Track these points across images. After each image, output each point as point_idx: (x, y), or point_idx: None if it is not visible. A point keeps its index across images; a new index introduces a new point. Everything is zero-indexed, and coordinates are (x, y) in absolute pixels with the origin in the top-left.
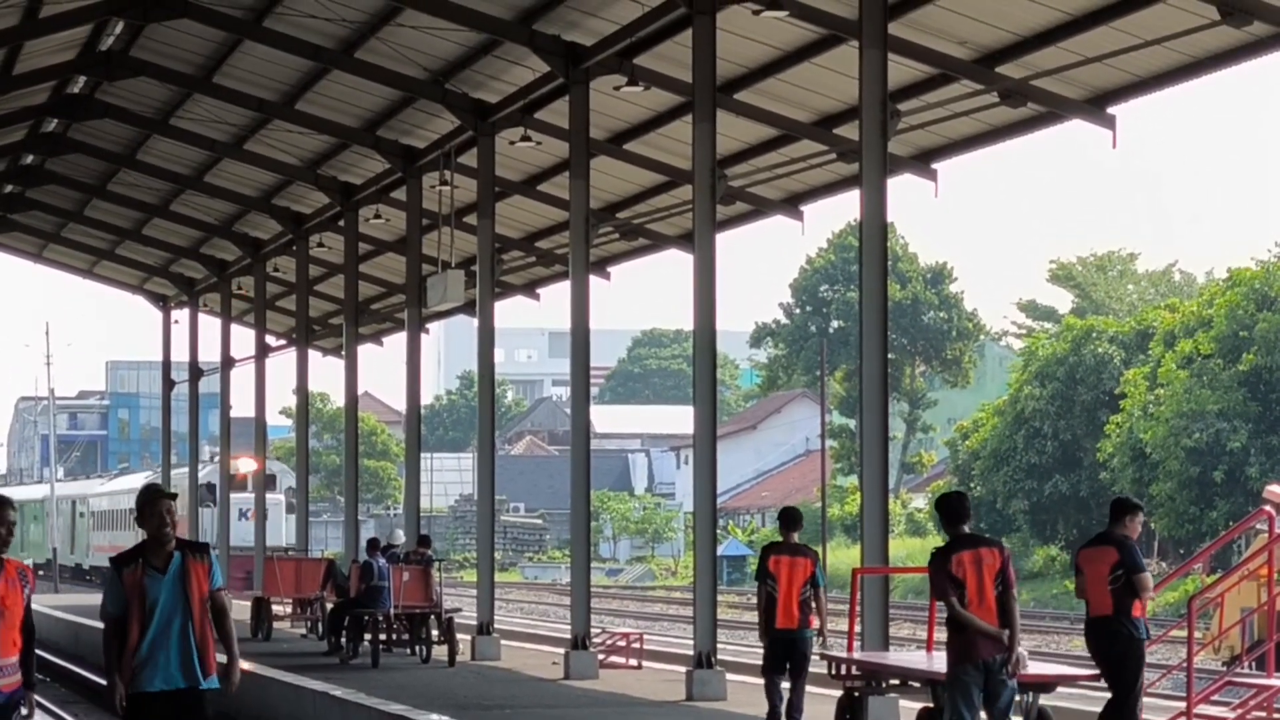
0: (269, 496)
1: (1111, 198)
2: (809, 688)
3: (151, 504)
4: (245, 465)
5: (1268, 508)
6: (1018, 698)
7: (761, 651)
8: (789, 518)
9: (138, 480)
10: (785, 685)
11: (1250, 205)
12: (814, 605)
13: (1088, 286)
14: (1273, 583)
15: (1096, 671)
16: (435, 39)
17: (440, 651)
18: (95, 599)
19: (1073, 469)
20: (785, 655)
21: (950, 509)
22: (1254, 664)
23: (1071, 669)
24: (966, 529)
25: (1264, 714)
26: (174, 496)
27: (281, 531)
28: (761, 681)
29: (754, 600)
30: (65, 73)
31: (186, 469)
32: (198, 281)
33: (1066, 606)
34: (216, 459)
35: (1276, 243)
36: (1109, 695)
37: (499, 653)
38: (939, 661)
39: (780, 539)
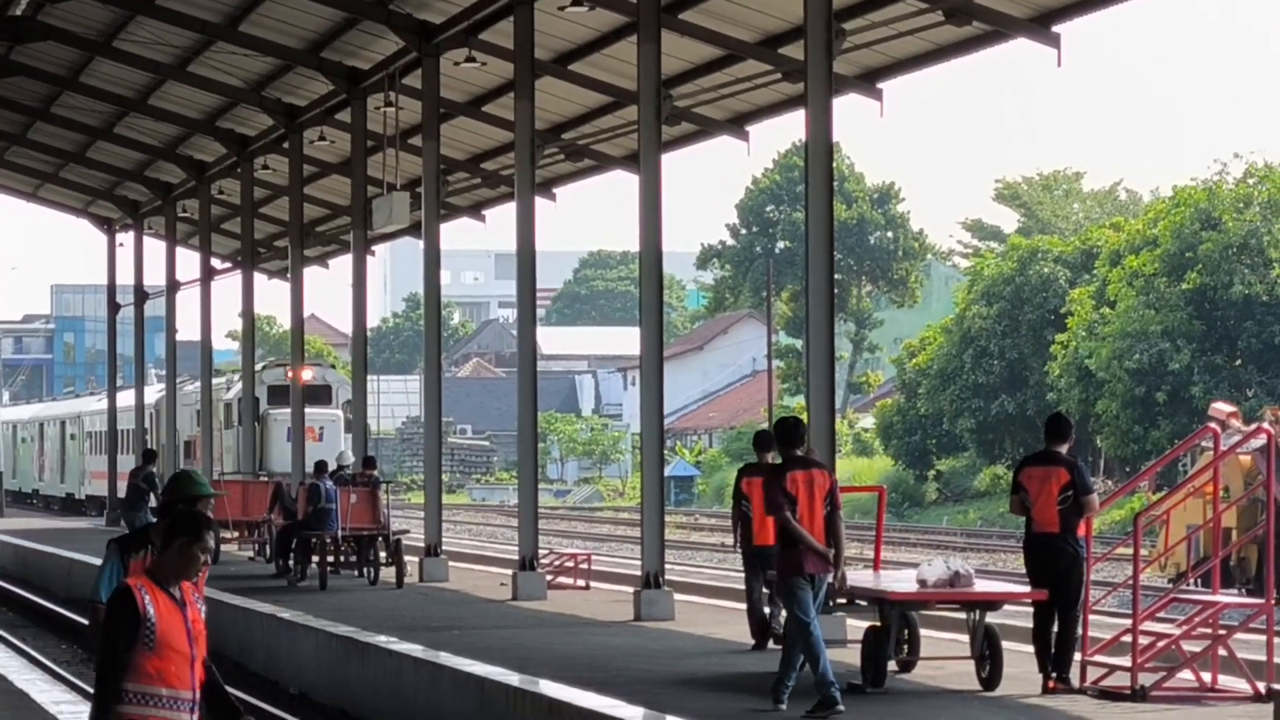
0: (324, 412)
1: (1057, 117)
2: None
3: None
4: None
5: (1213, 425)
6: (963, 615)
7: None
8: (765, 439)
9: (134, 397)
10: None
11: (1195, 121)
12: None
13: (1033, 205)
14: (1218, 500)
15: (1044, 591)
16: None
17: (388, 573)
18: (38, 523)
19: (1019, 388)
20: (766, 566)
21: (787, 432)
22: (1199, 581)
23: (1018, 587)
24: (799, 452)
25: (1210, 630)
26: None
27: (341, 451)
28: (712, 601)
29: (701, 521)
30: None
31: (133, 391)
32: (142, 205)
33: (1013, 525)
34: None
35: (1216, 159)
36: (1034, 610)
37: (447, 574)
38: (886, 580)
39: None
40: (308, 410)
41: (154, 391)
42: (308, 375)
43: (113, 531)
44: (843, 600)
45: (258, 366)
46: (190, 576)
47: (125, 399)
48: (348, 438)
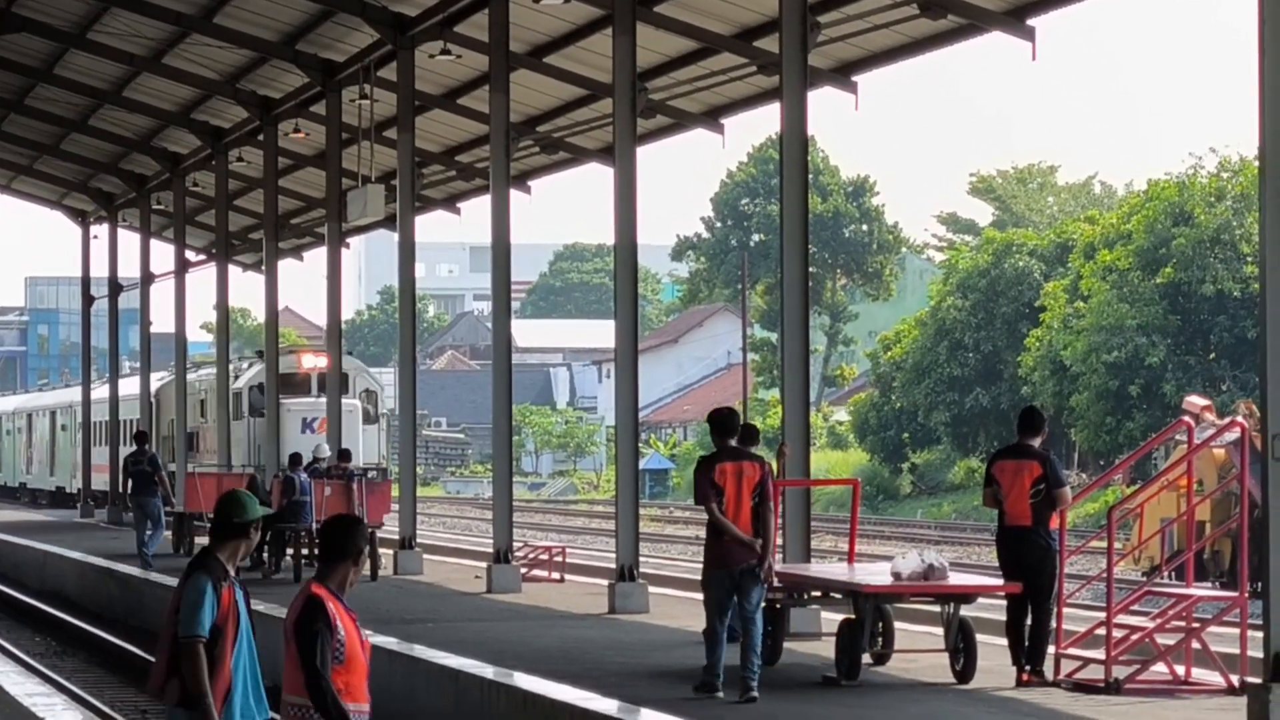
0: (344, 402)
1: (1031, 110)
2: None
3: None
4: (310, 361)
5: (1187, 418)
6: (938, 608)
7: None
8: (748, 432)
9: (136, 384)
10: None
11: (1171, 114)
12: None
13: (1008, 199)
14: (1192, 493)
15: (1018, 584)
16: None
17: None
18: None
19: (994, 381)
20: None
21: (721, 422)
22: (1173, 574)
23: (992, 580)
24: (733, 443)
25: (1183, 623)
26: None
27: (359, 447)
28: (687, 594)
29: (675, 514)
30: None
31: (107, 384)
32: (117, 197)
33: (987, 518)
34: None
35: (1191, 154)
36: (1008, 603)
37: (421, 567)
38: (860, 573)
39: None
40: (322, 400)
41: (153, 380)
42: (321, 362)
43: (114, 532)
44: (816, 593)
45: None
46: (347, 590)
47: (124, 388)
48: (367, 430)
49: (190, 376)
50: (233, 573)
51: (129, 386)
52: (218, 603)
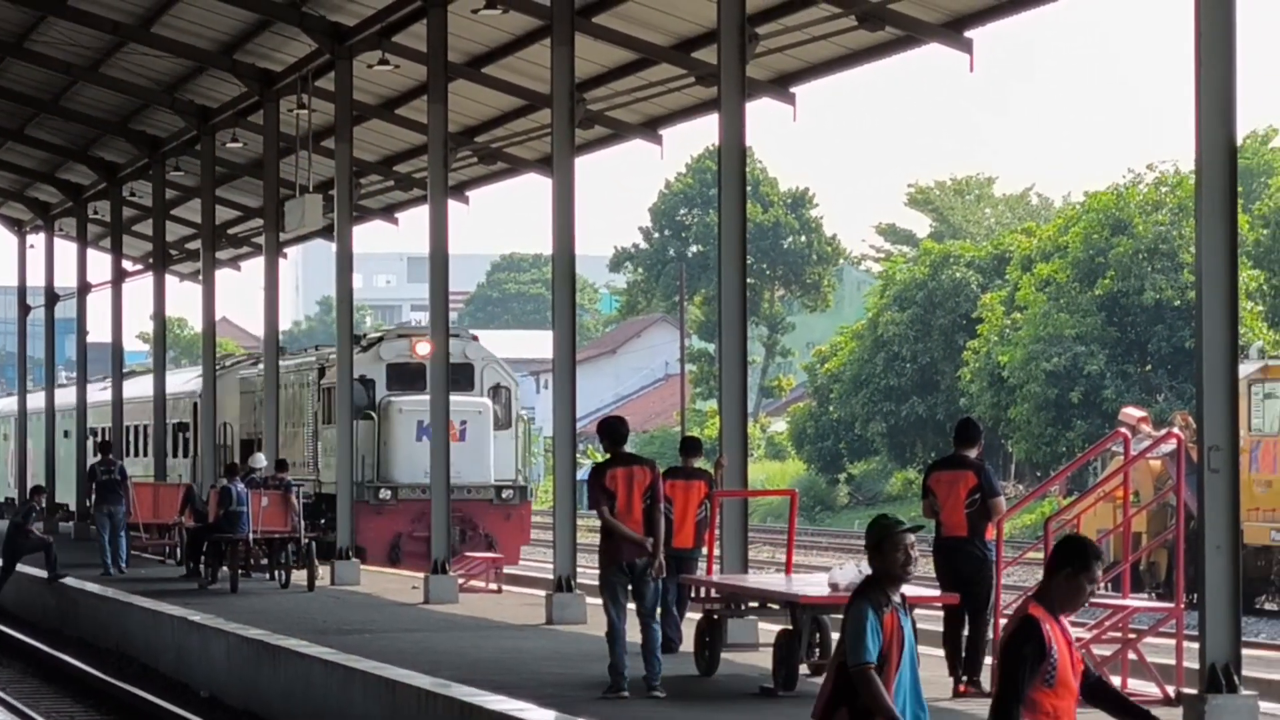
0: (466, 401)
1: (969, 122)
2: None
3: (893, 540)
4: (427, 346)
5: (1123, 430)
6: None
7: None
8: (689, 445)
9: (145, 384)
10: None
11: (1107, 128)
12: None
13: (945, 210)
14: (1128, 504)
15: (954, 594)
16: None
17: (300, 577)
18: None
19: (931, 393)
20: (681, 568)
21: (611, 430)
22: (1110, 585)
23: (928, 590)
24: (624, 449)
25: (1120, 634)
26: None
27: (489, 458)
28: None
29: None
30: None
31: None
32: (53, 206)
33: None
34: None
35: (1130, 169)
36: (944, 613)
37: (358, 577)
38: (798, 584)
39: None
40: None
41: (184, 379)
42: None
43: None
44: (754, 604)
45: (373, 334)
46: (1076, 608)
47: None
48: (500, 437)
49: (248, 371)
50: (894, 599)
51: (139, 386)
52: (880, 628)
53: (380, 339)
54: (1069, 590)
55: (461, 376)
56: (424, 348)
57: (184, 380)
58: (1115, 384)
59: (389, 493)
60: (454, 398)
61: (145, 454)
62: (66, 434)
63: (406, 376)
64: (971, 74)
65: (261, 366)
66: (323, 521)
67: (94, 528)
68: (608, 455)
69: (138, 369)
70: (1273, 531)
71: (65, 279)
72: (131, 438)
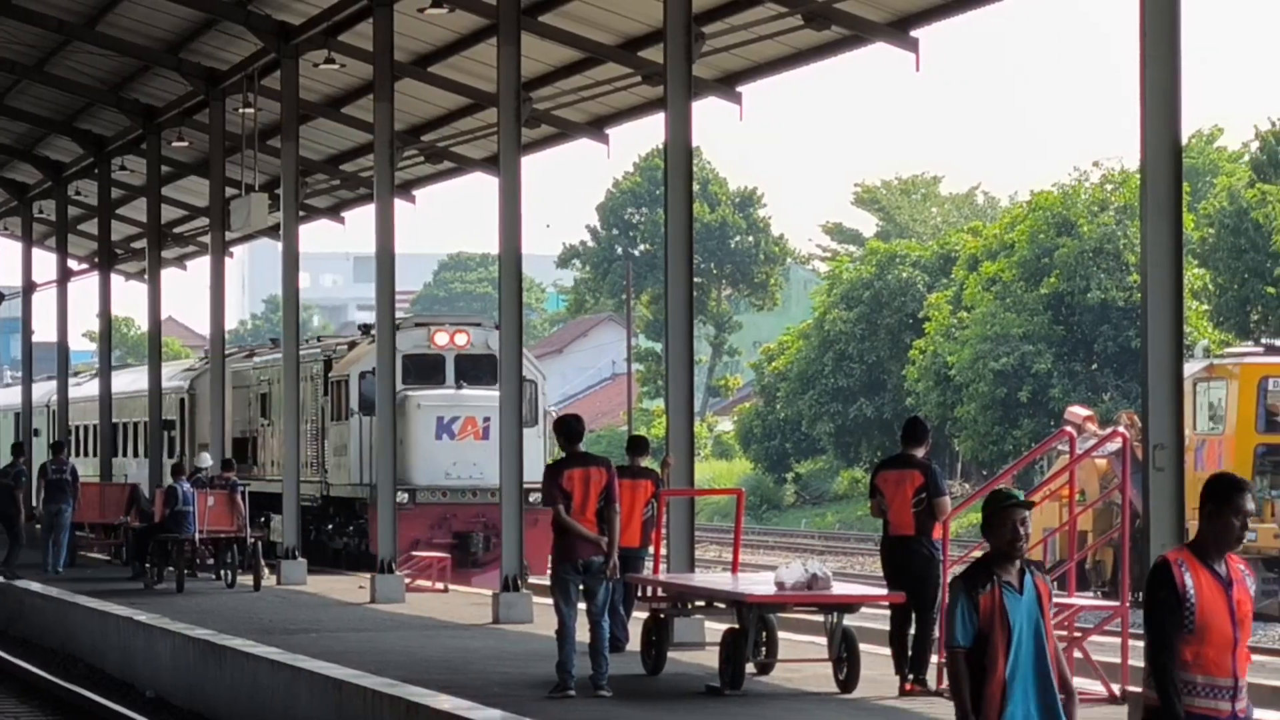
0: (489, 395)
1: (915, 121)
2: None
3: (1002, 514)
4: (446, 336)
5: (1068, 428)
6: (821, 618)
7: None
8: (636, 444)
9: (139, 377)
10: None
11: (1053, 127)
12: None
13: (892, 210)
14: (1074, 503)
15: (901, 593)
16: None
17: (246, 576)
18: None
19: (878, 392)
20: (628, 567)
21: (568, 428)
22: (1055, 583)
23: (875, 589)
24: (580, 448)
25: (1065, 633)
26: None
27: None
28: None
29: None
30: None
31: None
32: None
33: (870, 528)
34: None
35: (1075, 168)
36: (891, 612)
37: (304, 577)
38: (744, 583)
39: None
40: (466, 393)
41: (169, 374)
42: (461, 340)
43: None
44: (700, 603)
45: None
46: (1231, 547)
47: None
48: (526, 435)
49: (242, 364)
50: (1005, 577)
51: (132, 379)
52: (974, 610)
53: (398, 328)
54: (1216, 529)
55: (484, 369)
56: (443, 337)
57: (169, 375)
58: (1062, 383)
59: (405, 495)
60: (476, 392)
61: (130, 453)
62: (37, 433)
63: (425, 369)
64: (917, 73)
65: (257, 359)
66: (263, 520)
67: (39, 527)
68: (563, 454)
69: (82, 369)
70: None
71: (10, 278)
72: (80, 436)
